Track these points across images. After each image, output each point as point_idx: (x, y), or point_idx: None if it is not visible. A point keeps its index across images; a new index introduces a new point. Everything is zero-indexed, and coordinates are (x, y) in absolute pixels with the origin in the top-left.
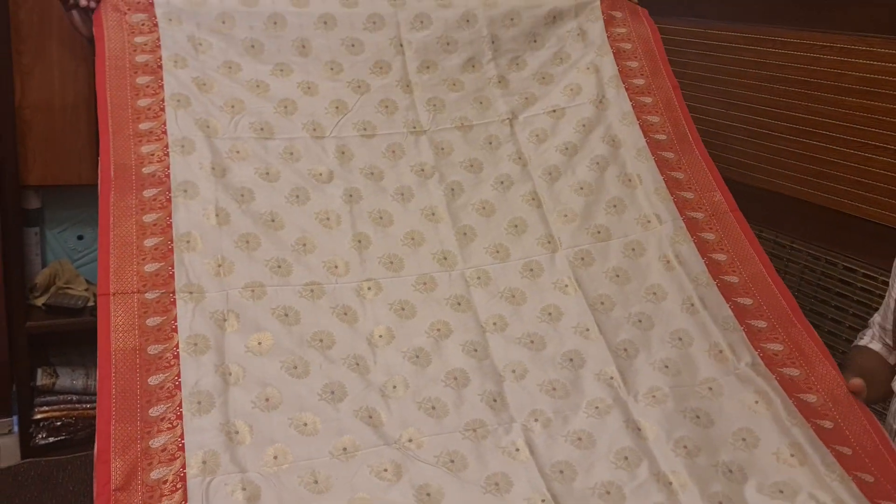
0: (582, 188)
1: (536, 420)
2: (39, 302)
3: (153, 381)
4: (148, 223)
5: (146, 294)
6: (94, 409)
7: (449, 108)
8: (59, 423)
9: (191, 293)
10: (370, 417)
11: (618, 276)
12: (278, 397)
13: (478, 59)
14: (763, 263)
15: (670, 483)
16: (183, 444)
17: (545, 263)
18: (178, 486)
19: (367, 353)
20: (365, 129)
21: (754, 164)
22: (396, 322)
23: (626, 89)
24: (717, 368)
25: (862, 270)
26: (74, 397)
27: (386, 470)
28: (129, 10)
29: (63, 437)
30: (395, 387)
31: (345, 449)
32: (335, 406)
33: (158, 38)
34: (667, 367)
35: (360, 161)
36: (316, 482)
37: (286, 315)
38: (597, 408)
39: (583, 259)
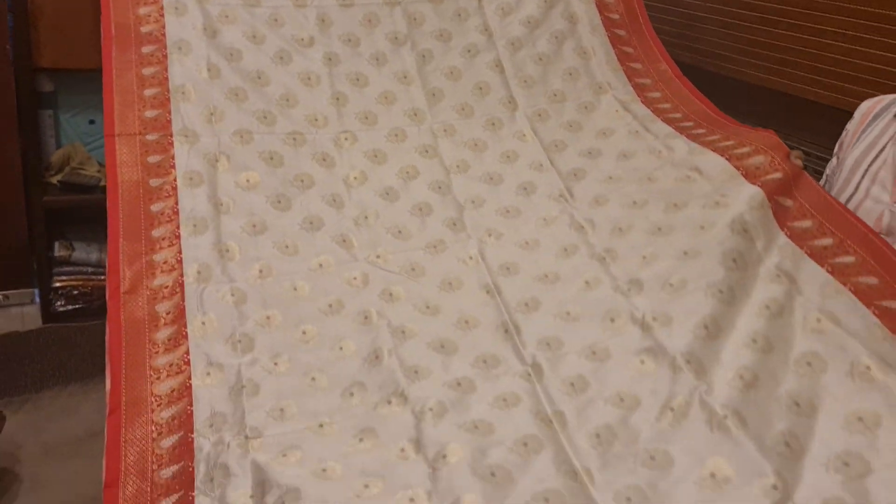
0: (541, 58)
1: (490, 235)
2: (54, 180)
3: (155, 208)
4: (147, 75)
5: (147, 136)
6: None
7: None
8: (76, 293)
9: (186, 136)
10: (344, 241)
11: (571, 126)
12: (263, 225)
13: None
14: (705, 103)
15: (604, 258)
16: (181, 258)
17: (505, 119)
18: (177, 290)
19: (343, 192)
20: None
21: (725, 53)
22: (370, 167)
23: None
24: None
25: (816, 153)
26: (90, 269)
27: (355, 278)
28: None
29: (80, 306)
30: (366, 217)
31: (321, 265)
32: (313, 234)
33: None
34: (610, 178)
35: (338, 28)
36: (295, 289)
37: (271, 158)
38: (545, 219)
39: (539, 115)
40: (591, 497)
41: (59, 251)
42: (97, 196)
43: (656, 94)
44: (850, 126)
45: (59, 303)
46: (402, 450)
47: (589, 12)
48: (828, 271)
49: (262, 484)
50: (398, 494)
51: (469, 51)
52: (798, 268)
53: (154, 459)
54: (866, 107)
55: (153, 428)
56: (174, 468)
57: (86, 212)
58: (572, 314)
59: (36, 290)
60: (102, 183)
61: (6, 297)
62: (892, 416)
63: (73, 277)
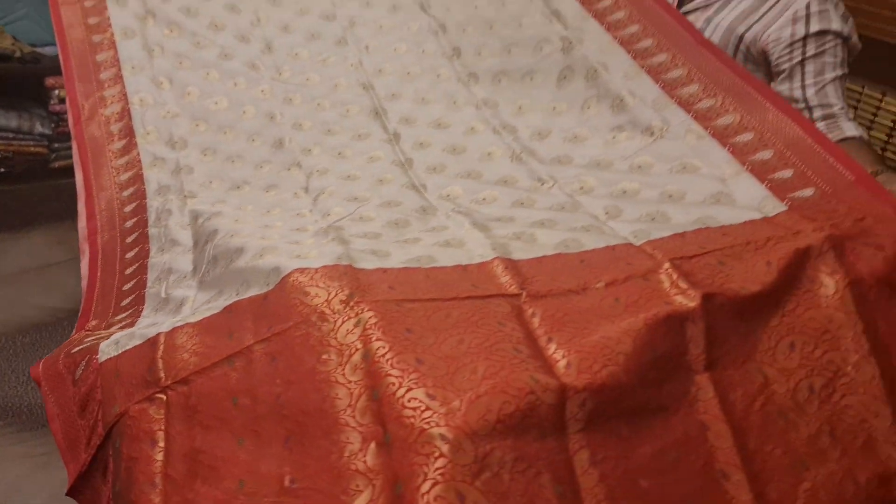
0: None
1: (366, 48)
2: None
3: (99, 58)
4: None
5: (85, 3)
6: (29, 145)
7: None
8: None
9: (116, 1)
10: (253, 66)
11: None
12: (189, 61)
13: None
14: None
15: (451, 57)
16: (125, 92)
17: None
18: (125, 115)
19: (248, 30)
20: None
21: None
22: (268, 8)
23: None
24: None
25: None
26: (11, 135)
27: (263, 91)
28: None
29: (3, 171)
30: (269, 47)
31: (235, 84)
32: (229, 62)
33: None
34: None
35: None
36: (216, 104)
37: (189, 10)
38: (412, 32)
39: None
40: (426, 199)
41: None
42: (13, 66)
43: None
44: None
45: None
46: (296, 193)
47: None
48: (605, 29)
49: (194, 216)
50: (290, 213)
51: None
52: (585, 31)
53: (119, 217)
54: None
55: (117, 202)
56: (134, 219)
57: (4, 82)
58: (425, 99)
59: None
60: (17, 55)
61: None
62: (631, 128)
63: None
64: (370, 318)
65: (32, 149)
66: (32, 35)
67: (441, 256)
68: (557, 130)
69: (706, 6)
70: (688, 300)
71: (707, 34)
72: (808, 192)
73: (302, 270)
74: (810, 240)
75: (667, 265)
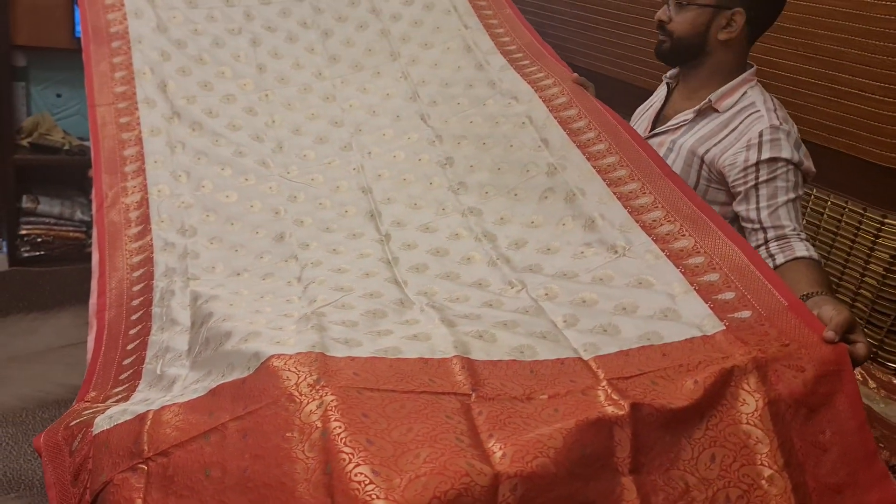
0: (416, 21)
1: (369, 153)
2: (24, 142)
3: (126, 153)
4: (116, 63)
5: (118, 105)
6: (68, 231)
7: None
8: (39, 240)
9: (147, 103)
10: (264, 164)
11: (426, 46)
12: (206, 157)
13: None
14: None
15: (444, 165)
16: (146, 184)
17: (385, 69)
18: (143, 204)
19: (262, 131)
20: (263, 0)
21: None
22: (282, 112)
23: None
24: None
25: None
26: (52, 220)
27: (271, 187)
28: None
29: (43, 253)
30: (280, 147)
31: (246, 180)
32: (242, 159)
33: None
34: (457, 102)
35: (260, 20)
36: (227, 197)
37: (210, 112)
38: (408, 137)
39: (414, 60)
40: (405, 294)
41: (26, 203)
42: (61, 157)
43: (500, 31)
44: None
45: (24, 249)
46: (289, 282)
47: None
48: (586, 158)
49: (194, 298)
50: (280, 300)
51: (360, 26)
52: (568, 158)
53: (127, 296)
54: None
55: (127, 282)
56: (140, 298)
57: (51, 172)
58: (417, 205)
59: (4, 240)
60: (66, 147)
61: None
62: (599, 245)
63: (37, 227)
64: (332, 401)
65: (71, 234)
66: (81, 129)
67: (407, 349)
68: (533, 242)
69: (675, 129)
70: (617, 409)
71: (673, 155)
72: (745, 314)
73: (278, 356)
74: (737, 361)
75: (605, 383)
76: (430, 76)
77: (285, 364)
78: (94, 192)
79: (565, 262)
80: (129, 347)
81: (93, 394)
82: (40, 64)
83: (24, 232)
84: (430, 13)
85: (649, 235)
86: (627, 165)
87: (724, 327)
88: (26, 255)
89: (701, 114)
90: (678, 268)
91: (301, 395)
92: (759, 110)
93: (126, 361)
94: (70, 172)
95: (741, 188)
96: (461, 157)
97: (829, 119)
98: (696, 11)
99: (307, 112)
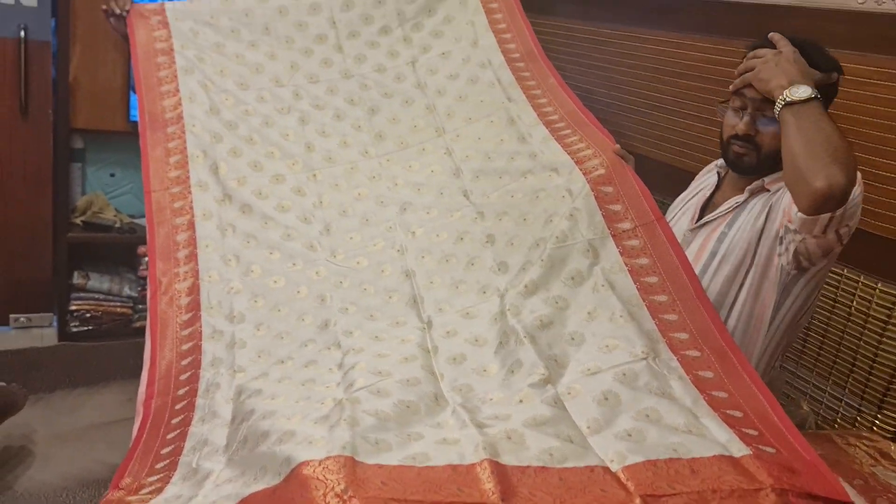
0: (460, 96)
1: (412, 233)
2: (78, 220)
3: (179, 238)
4: (171, 147)
5: (172, 189)
6: (116, 306)
7: (370, 59)
8: (88, 316)
9: (200, 186)
10: (311, 247)
11: (470, 119)
12: (256, 240)
13: (389, 26)
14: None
15: (486, 243)
16: (197, 269)
17: (430, 145)
18: (194, 291)
19: (311, 212)
20: (311, 78)
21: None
22: (330, 193)
23: (493, 33)
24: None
25: None
26: (101, 296)
27: (317, 273)
28: (149, 15)
29: (91, 328)
30: (328, 229)
31: (293, 264)
32: (290, 243)
33: (170, 32)
34: (500, 177)
35: (308, 99)
36: (275, 282)
37: (260, 193)
38: (450, 213)
39: (457, 135)
40: (440, 388)
41: (77, 279)
42: (112, 235)
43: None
44: (697, 175)
45: (73, 324)
46: (330, 369)
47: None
48: (619, 252)
49: (238, 392)
50: (320, 387)
51: (406, 101)
52: (603, 245)
53: (175, 385)
54: (713, 162)
55: (175, 370)
56: (186, 388)
57: (102, 248)
58: (458, 287)
59: (55, 317)
60: (117, 225)
61: (29, 318)
62: (625, 342)
63: (87, 302)
64: None
65: (118, 309)
66: (132, 207)
67: (436, 454)
68: (559, 325)
69: (726, 214)
70: None
71: (727, 242)
72: (770, 449)
73: (307, 463)
74: (769, 495)
75: (638, 500)
76: (473, 151)
77: (314, 472)
78: (148, 278)
79: (591, 355)
80: (170, 437)
81: (127, 480)
82: (96, 146)
83: (73, 307)
84: (475, 87)
85: (675, 354)
86: (660, 273)
87: (751, 453)
88: (75, 329)
89: (753, 194)
90: (703, 395)
91: None
92: None
93: (164, 451)
94: (120, 249)
95: None
96: (502, 233)
97: (869, 203)
98: None
99: (354, 192)
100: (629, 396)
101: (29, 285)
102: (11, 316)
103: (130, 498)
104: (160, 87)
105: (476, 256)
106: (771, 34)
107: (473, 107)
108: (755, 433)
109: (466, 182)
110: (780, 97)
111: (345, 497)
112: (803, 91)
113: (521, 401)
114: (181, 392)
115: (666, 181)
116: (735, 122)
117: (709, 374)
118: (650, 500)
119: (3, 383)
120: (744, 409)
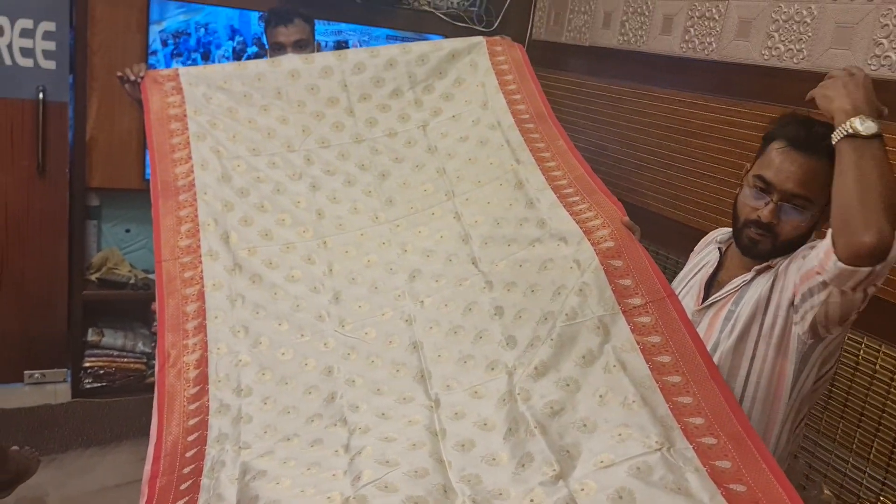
0: (470, 158)
1: (421, 302)
2: (93, 277)
3: (189, 308)
4: (182, 216)
5: (182, 259)
6: (130, 362)
7: (381, 123)
8: (102, 372)
9: (210, 255)
10: (319, 317)
11: (478, 182)
12: (264, 313)
13: (400, 88)
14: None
15: (494, 315)
16: (206, 340)
17: (439, 209)
18: (202, 363)
19: (319, 281)
20: (323, 143)
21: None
22: (340, 260)
23: (504, 94)
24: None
25: None
26: (115, 352)
27: (326, 344)
28: (163, 81)
29: (104, 384)
30: (337, 298)
31: (302, 335)
32: (300, 313)
33: (183, 98)
34: (509, 244)
35: (319, 164)
36: (283, 354)
37: (270, 263)
38: (458, 281)
39: (467, 200)
40: (448, 478)
41: (91, 336)
42: (127, 292)
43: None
44: (695, 249)
45: (87, 381)
46: (336, 451)
47: (507, 118)
48: (630, 329)
49: (243, 471)
50: (326, 473)
51: (417, 165)
52: (614, 321)
53: (180, 462)
54: (710, 235)
55: (181, 447)
56: (192, 466)
57: (116, 304)
58: (467, 362)
59: (68, 372)
60: (132, 281)
61: (43, 374)
62: (639, 431)
63: (100, 359)
64: None
65: (133, 365)
66: (147, 262)
67: None
68: (570, 411)
69: (733, 293)
70: None
71: (733, 322)
72: None
73: None
74: None
75: None
76: (481, 215)
77: None
78: (157, 350)
79: (603, 444)
80: None
81: None
82: (112, 202)
83: (87, 364)
84: (484, 148)
85: (690, 443)
86: (672, 352)
87: None
88: (88, 386)
89: (759, 273)
90: (720, 489)
91: None
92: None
93: None
94: (134, 305)
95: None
96: (510, 304)
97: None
98: (812, 213)
99: (364, 259)
100: (644, 495)
101: (43, 341)
102: (26, 372)
103: None
104: (173, 154)
105: (484, 329)
106: (849, 66)
107: (483, 169)
108: None
109: (475, 248)
110: (842, 126)
111: None
112: (870, 126)
113: (532, 501)
114: (186, 470)
115: (681, 239)
116: (756, 206)
117: (726, 465)
118: None
119: (16, 447)
120: None
